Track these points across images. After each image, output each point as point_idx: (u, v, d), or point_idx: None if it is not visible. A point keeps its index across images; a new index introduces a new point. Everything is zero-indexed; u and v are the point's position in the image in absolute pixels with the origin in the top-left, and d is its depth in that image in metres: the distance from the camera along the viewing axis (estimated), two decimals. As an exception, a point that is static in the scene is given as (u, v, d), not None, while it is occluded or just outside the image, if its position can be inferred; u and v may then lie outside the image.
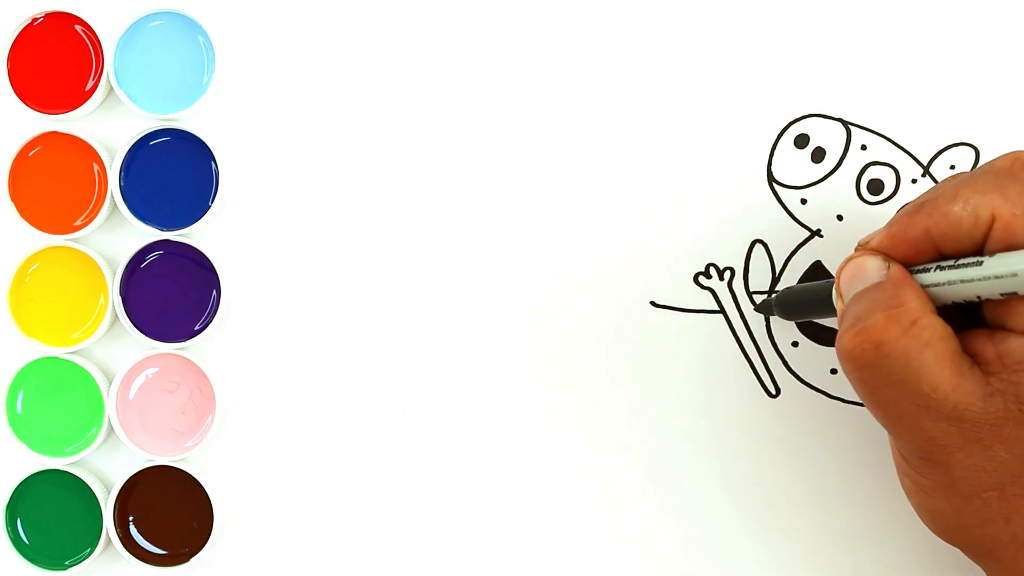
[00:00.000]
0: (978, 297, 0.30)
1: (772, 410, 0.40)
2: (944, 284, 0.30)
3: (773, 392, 0.40)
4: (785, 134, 0.40)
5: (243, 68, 0.41)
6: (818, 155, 0.40)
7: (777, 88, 0.40)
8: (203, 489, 0.40)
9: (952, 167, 0.40)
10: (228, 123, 0.41)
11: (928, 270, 0.31)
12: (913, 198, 0.40)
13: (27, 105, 0.40)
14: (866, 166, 0.40)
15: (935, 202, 0.31)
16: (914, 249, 0.31)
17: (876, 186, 0.40)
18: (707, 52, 0.41)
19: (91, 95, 0.40)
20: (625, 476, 0.40)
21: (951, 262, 0.30)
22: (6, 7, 0.41)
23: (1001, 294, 0.29)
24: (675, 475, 0.40)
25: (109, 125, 0.41)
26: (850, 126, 0.40)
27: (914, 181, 0.40)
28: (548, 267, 0.41)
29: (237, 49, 0.41)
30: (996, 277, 0.29)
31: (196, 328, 0.40)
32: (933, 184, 0.40)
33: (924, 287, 0.31)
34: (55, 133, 0.40)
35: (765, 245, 0.40)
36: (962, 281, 0.30)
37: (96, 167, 0.40)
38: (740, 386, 0.40)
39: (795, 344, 0.40)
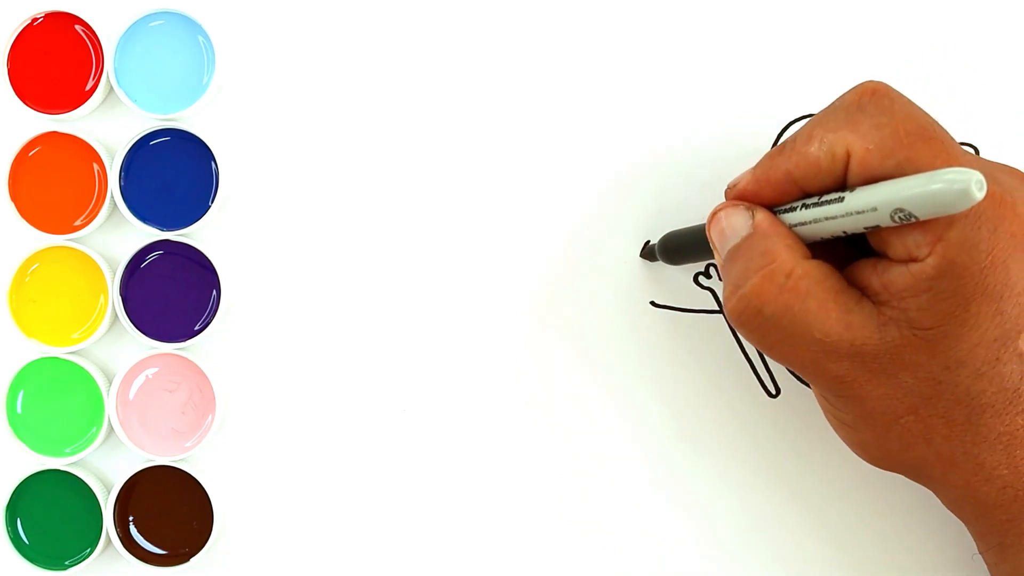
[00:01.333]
0: (844, 232, 0.30)
1: (772, 410, 0.40)
2: (811, 222, 0.30)
3: (773, 392, 0.40)
4: (785, 134, 0.40)
5: (243, 68, 0.41)
6: (818, 155, 0.40)
7: (777, 88, 0.40)
8: (203, 489, 0.40)
9: (952, 167, 0.40)
10: (228, 123, 0.41)
11: (795, 208, 0.31)
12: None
13: (27, 105, 0.40)
14: (866, 166, 0.40)
15: (793, 143, 0.31)
16: (779, 191, 0.31)
17: (876, 186, 0.40)
18: (707, 52, 0.41)
19: (91, 95, 0.40)
20: (625, 476, 0.40)
21: (815, 199, 0.30)
22: (6, 7, 0.41)
23: (865, 228, 0.29)
24: (675, 475, 0.40)
25: (109, 125, 0.41)
26: (850, 126, 0.40)
27: (914, 181, 0.40)
28: (548, 267, 0.41)
29: (237, 49, 0.41)
30: (857, 212, 0.29)
31: (196, 328, 0.40)
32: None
33: (792, 227, 0.31)
34: (55, 133, 0.40)
35: (765, 245, 0.40)
36: (827, 218, 0.30)
37: (96, 167, 0.40)
38: (740, 386, 0.40)
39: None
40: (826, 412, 0.34)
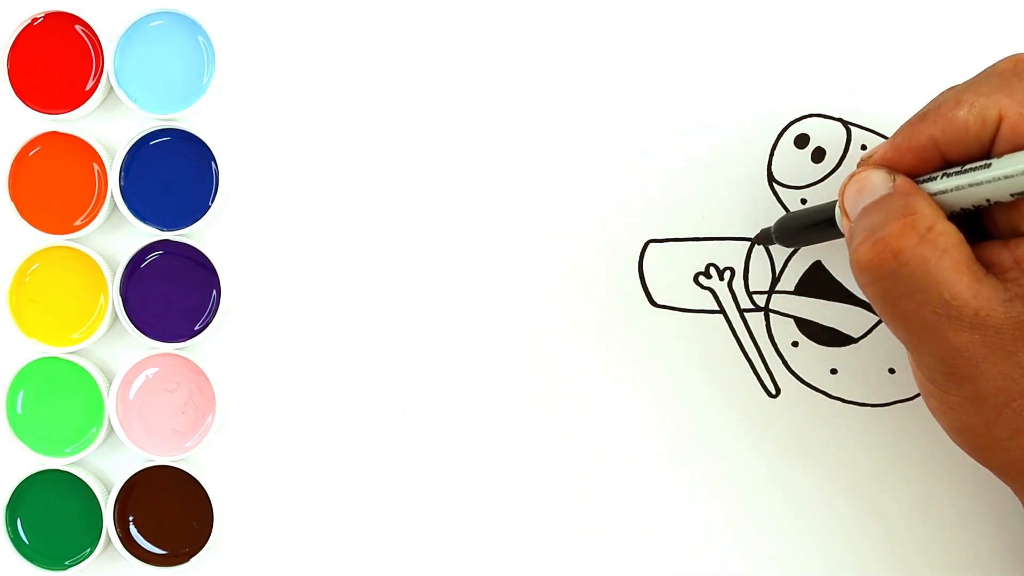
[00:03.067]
0: (988, 201, 0.29)
1: (772, 410, 0.40)
2: (952, 190, 0.30)
3: (773, 392, 0.40)
4: (785, 134, 0.40)
5: (243, 68, 0.41)
6: (818, 155, 0.40)
7: (777, 88, 0.40)
8: (203, 489, 0.40)
9: (952, 167, 0.40)
10: (228, 123, 0.41)
11: (935, 178, 0.30)
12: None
13: (27, 105, 0.40)
14: (866, 166, 0.40)
15: (939, 110, 0.30)
16: (920, 159, 0.31)
17: (876, 186, 0.40)
18: (707, 52, 0.41)
19: (91, 95, 0.40)
20: (625, 476, 0.40)
21: (958, 168, 0.30)
22: (6, 7, 0.41)
23: (1012, 195, 0.28)
24: (675, 475, 0.40)
25: (109, 125, 0.41)
26: (850, 126, 0.40)
27: (914, 181, 0.40)
28: (548, 267, 0.41)
29: (237, 49, 0.41)
30: (1006, 177, 0.28)
31: (196, 328, 0.40)
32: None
33: (932, 195, 0.30)
34: (55, 133, 0.40)
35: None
36: (971, 185, 0.29)
37: (96, 167, 0.40)
38: (740, 386, 0.40)
39: (795, 344, 0.40)
40: (928, 396, 0.32)
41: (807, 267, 0.40)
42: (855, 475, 0.39)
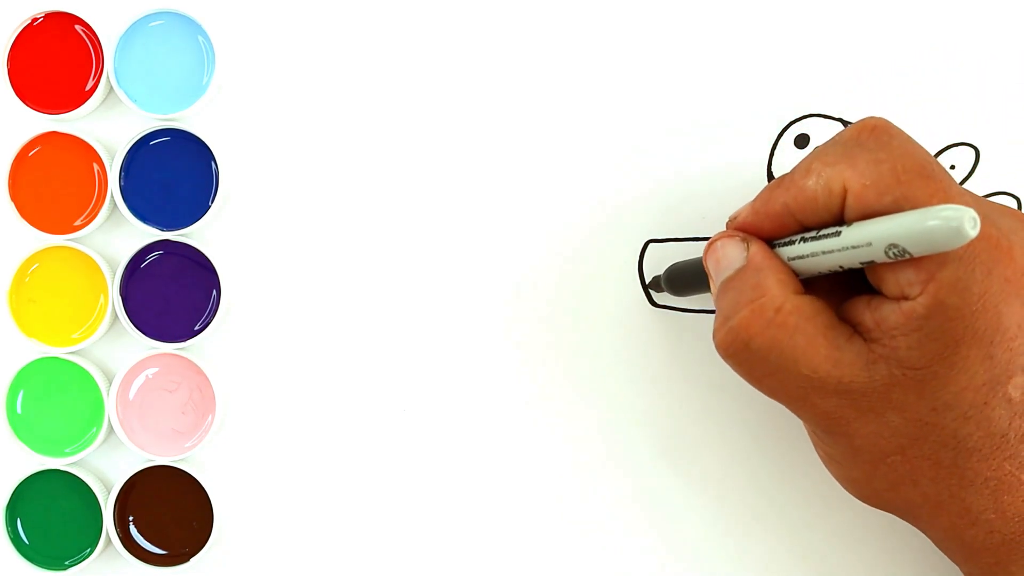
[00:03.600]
0: (840, 267, 0.30)
1: (772, 410, 0.40)
2: (808, 256, 0.30)
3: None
4: (785, 134, 0.40)
5: (243, 68, 0.41)
6: (818, 155, 0.40)
7: (777, 88, 0.40)
8: (203, 489, 0.40)
9: (952, 167, 0.40)
10: (228, 123, 0.41)
11: (793, 242, 0.31)
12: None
13: (27, 105, 0.40)
14: (866, 166, 0.40)
15: (792, 176, 0.31)
16: (777, 224, 0.31)
17: (876, 186, 0.40)
18: (707, 52, 0.41)
19: (91, 95, 0.40)
20: (625, 476, 0.40)
21: (813, 233, 0.30)
22: (6, 7, 0.41)
23: (860, 263, 0.29)
24: (675, 474, 0.40)
25: (109, 125, 0.41)
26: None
27: (914, 181, 0.40)
28: (548, 267, 0.41)
29: (237, 49, 0.41)
30: (853, 247, 0.28)
31: (196, 328, 0.40)
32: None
33: (790, 259, 0.31)
34: (55, 133, 0.40)
35: (765, 245, 0.40)
36: (823, 252, 0.30)
37: (96, 167, 0.40)
38: (740, 386, 0.40)
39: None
40: (816, 447, 0.34)
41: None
42: (855, 475, 0.39)
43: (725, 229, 0.34)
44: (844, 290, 0.31)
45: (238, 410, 0.41)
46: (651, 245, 0.40)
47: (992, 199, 0.40)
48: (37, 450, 0.40)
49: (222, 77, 0.41)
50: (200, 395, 0.40)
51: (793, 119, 0.40)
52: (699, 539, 0.40)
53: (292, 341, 0.41)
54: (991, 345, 0.28)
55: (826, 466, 0.34)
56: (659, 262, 0.40)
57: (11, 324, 0.40)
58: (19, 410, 0.40)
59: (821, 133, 0.40)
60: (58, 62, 0.41)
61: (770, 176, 0.40)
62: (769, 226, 0.32)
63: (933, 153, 0.40)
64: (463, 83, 0.41)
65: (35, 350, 0.40)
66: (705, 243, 0.40)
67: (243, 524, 0.41)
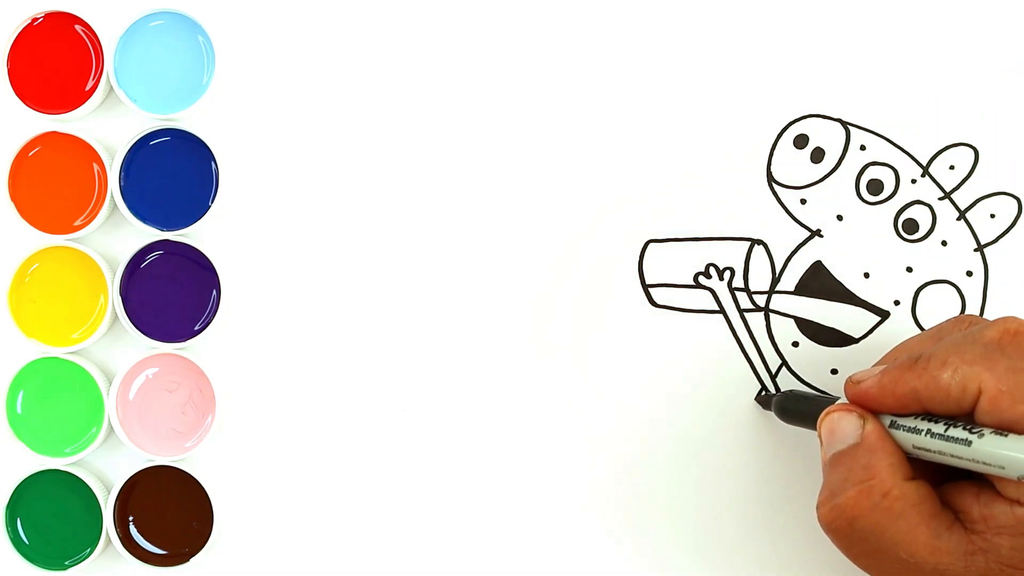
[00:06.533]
0: (966, 470, 0.30)
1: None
2: (934, 452, 0.30)
3: (773, 392, 0.40)
4: (784, 134, 0.40)
5: (243, 68, 0.41)
6: (817, 155, 0.40)
7: (777, 88, 0.40)
8: (203, 489, 0.40)
9: (951, 167, 0.40)
10: (228, 123, 0.41)
11: (918, 432, 0.31)
12: (913, 198, 0.40)
13: (27, 105, 0.40)
14: (865, 166, 0.40)
15: (927, 364, 0.31)
16: (901, 404, 0.32)
17: (875, 186, 0.40)
18: (707, 52, 0.41)
19: (91, 95, 0.40)
20: (625, 476, 0.40)
21: (941, 430, 0.30)
22: (6, 7, 0.41)
23: (986, 474, 0.29)
24: (675, 475, 0.40)
25: (109, 125, 0.41)
26: (849, 126, 0.40)
27: (913, 181, 0.40)
28: (548, 267, 0.41)
29: (237, 49, 0.41)
30: (984, 463, 0.29)
31: (196, 328, 0.40)
32: (932, 184, 0.40)
33: (915, 447, 0.31)
34: (55, 133, 0.40)
35: (765, 245, 0.40)
36: (950, 455, 0.30)
37: (96, 167, 0.40)
38: (740, 386, 0.40)
39: (795, 344, 0.40)
40: None
41: (807, 267, 0.40)
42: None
43: (845, 390, 0.33)
44: (948, 469, 0.31)
45: (238, 410, 0.41)
46: (651, 245, 0.40)
47: (992, 199, 0.40)
48: (37, 450, 0.40)
49: (222, 77, 0.41)
50: (200, 395, 0.40)
51: (793, 119, 0.40)
52: (699, 539, 0.40)
53: (292, 341, 0.41)
54: None
55: None
56: (659, 262, 0.40)
57: (11, 324, 0.40)
58: (19, 410, 0.40)
59: (821, 133, 0.40)
60: (58, 62, 0.41)
61: (770, 176, 0.40)
62: (892, 404, 0.32)
63: (932, 153, 0.40)
64: (463, 83, 0.41)
65: (35, 350, 0.40)
66: (706, 243, 0.40)
67: (243, 524, 0.41)
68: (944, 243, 0.40)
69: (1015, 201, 0.40)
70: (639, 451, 0.40)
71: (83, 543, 0.40)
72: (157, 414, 0.40)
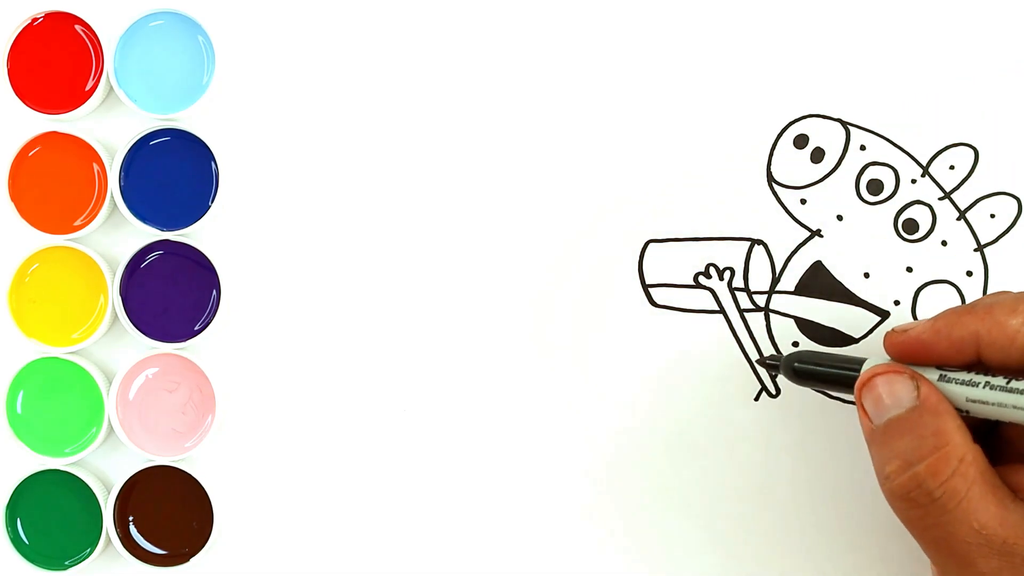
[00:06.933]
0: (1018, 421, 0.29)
1: (772, 410, 0.40)
2: (992, 404, 0.29)
3: (773, 392, 0.40)
4: (784, 134, 0.40)
5: (243, 68, 0.41)
6: (817, 155, 0.40)
7: (776, 88, 0.40)
8: (203, 489, 0.40)
9: (951, 167, 0.40)
10: (228, 123, 0.41)
11: (975, 385, 0.29)
12: (913, 198, 0.40)
13: (27, 105, 0.40)
14: (865, 166, 0.40)
15: (991, 309, 0.30)
16: (955, 349, 0.30)
17: (876, 186, 0.40)
18: (707, 52, 0.41)
19: (91, 95, 0.40)
20: (625, 477, 0.40)
21: (1003, 382, 0.29)
22: (6, 7, 0.41)
23: None
24: (675, 475, 0.40)
25: (109, 125, 0.41)
26: (849, 126, 0.40)
27: (913, 181, 0.40)
28: (548, 267, 0.41)
29: (237, 49, 0.41)
30: None
31: (196, 328, 0.40)
32: (932, 184, 0.40)
33: (968, 400, 0.30)
34: (55, 133, 0.40)
35: (765, 245, 0.40)
36: (1014, 407, 0.28)
37: (96, 167, 0.40)
38: (740, 386, 0.40)
39: (795, 344, 0.40)
40: None
41: (807, 267, 0.40)
42: (855, 475, 0.39)
43: (885, 342, 0.32)
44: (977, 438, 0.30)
45: (238, 410, 0.41)
46: (651, 245, 0.40)
47: (992, 199, 0.40)
48: (37, 450, 0.40)
49: (222, 77, 0.41)
50: (200, 395, 0.40)
51: (793, 119, 0.40)
52: (699, 539, 0.40)
53: (292, 341, 0.41)
54: None
55: None
56: (659, 262, 0.40)
57: (11, 324, 0.40)
58: (19, 410, 0.40)
59: (821, 133, 0.40)
60: (58, 62, 0.41)
61: (769, 176, 0.40)
62: (944, 349, 0.31)
63: (932, 153, 0.40)
64: (463, 83, 0.41)
65: (35, 350, 0.40)
66: (706, 243, 0.40)
67: (243, 524, 0.41)
68: (944, 243, 0.40)
69: (1015, 201, 0.40)
70: (639, 451, 0.40)
71: (83, 543, 0.40)
72: (157, 414, 0.40)
